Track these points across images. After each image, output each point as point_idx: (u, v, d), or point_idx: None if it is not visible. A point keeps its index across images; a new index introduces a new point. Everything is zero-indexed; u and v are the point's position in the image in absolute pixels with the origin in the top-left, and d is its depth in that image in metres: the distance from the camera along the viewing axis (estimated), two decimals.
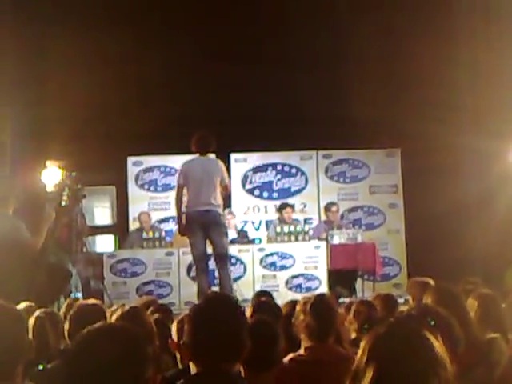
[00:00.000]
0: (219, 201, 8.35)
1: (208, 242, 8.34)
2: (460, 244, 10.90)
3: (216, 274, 8.53)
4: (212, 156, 8.77)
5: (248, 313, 5.21)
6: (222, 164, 8.67)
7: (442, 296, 3.88)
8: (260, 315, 4.33)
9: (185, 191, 8.41)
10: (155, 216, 11.61)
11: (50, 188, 11.05)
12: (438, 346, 2.01)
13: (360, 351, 2.05)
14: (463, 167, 11.62)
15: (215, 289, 8.30)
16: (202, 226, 8.22)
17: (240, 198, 11.99)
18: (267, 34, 11.54)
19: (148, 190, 12.09)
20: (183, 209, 8.44)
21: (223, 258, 8.35)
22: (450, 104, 10.92)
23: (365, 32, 11.42)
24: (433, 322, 3.00)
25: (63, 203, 8.62)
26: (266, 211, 12.13)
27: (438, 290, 4.08)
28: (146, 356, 2.00)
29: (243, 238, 10.94)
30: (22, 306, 4.97)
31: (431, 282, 5.38)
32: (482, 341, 3.71)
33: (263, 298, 5.63)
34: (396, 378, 1.93)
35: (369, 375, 1.97)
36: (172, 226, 11.79)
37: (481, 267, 10.27)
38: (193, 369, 2.66)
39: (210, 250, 8.44)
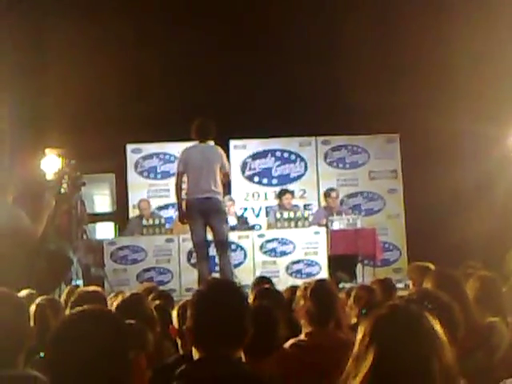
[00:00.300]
0: (219, 188, 8.34)
1: (208, 228, 8.34)
2: (460, 229, 10.91)
3: (216, 260, 8.55)
4: (212, 143, 8.75)
5: (250, 299, 5.23)
6: (221, 151, 8.66)
7: (442, 280, 3.89)
8: (261, 301, 4.35)
9: (184, 178, 8.40)
10: (155, 203, 11.62)
11: (49, 176, 11.05)
12: (438, 328, 2.01)
13: (360, 334, 2.05)
14: (462, 152, 11.62)
15: (216, 275, 8.30)
16: (203, 213, 8.22)
17: (239, 185, 12.00)
18: (267, 22, 11.50)
19: (147, 177, 12.09)
20: (183, 196, 8.44)
21: (223, 245, 8.35)
22: (449, 89, 10.91)
23: (362, 18, 11.38)
24: (430, 306, 3.01)
25: (63, 191, 8.63)
26: (265, 197, 12.14)
27: (438, 274, 4.09)
28: (128, 337, 2.00)
29: (243, 224, 10.95)
30: (23, 293, 4.99)
31: (431, 266, 5.38)
32: (482, 325, 3.72)
33: (265, 285, 5.64)
34: (397, 361, 1.94)
35: (369, 358, 1.97)
36: (172, 212, 11.80)
37: (481, 252, 10.28)
38: (195, 354, 2.66)
39: (210, 236, 8.44)
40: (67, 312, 4.22)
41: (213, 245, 8.53)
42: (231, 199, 11.05)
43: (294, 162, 12.29)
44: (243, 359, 3.23)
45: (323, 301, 3.88)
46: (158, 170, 12.11)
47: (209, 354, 2.59)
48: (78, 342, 1.89)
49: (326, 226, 10.37)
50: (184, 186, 8.48)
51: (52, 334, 1.96)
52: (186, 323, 2.69)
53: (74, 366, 1.87)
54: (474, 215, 10.95)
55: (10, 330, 2.58)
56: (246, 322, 2.66)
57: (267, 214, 11.57)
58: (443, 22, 10.63)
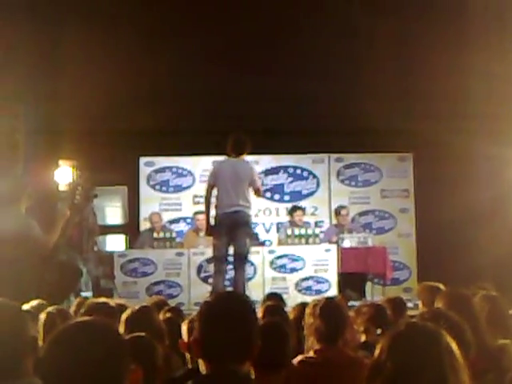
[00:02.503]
0: (248, 203, 8.33)
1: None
2: (471, 250, 10.87)
3: (230, 273, 8.54)
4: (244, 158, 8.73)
5: (259, 315, 5.22)
6: (253, 166, 8.69)
7: (454, 301, 3.87)
8: (270, 317, 4.34)
9: (214, 192, 8.41)
10: (166, 216, 11.63)
11: (62, 187, 11.09)
12: (455, 347, 2.01)
13: (377, 351, 2.04)
14: (476, 174, 11.58)
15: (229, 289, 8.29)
16: (229, 227, 8.20)
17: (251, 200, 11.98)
18: (282, 36, 11.52)
19: (159, 190, 12.11)
20: (213, 209, 8.43)
21: (242, 259, 8.34)
22: (464, 112, 10.91)
23: (379, 39, 11.40)
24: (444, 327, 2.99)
25: (76, 202, 8.64)
26: (277, 214, 12.14)
27: (450, 294, 4.07)
28: (124, 349, 1.98)
29: (254, 239, 10.92)
30: (34, 303, 4.99)
31: (441, 286, 5.35)
32: (493, 346, 3.69)
33: (271, 302, 5.62)
34: (414, 378, 1.92)
35: (387, 375, 1.96)
36: (183, 226, 11.81)
37: (492, 274, 10.22)
38: (201, 367, 2.64)
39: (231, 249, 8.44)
40: None
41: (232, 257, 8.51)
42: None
43: (307, 178, 12.30)
44: (252, 374, 3.23)
45: (332, 319, 3.87)
46: (171, 184, 12.13)
47: (216, 367, 2.55)
48: (71, 354, 1.86)
49: (337, 243, 10.35)
50: (213, 199, 8.47)
51: (45, 346, 1.94)
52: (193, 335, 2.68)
53: (67, 379, 1.85)
54: (486, 237, 10.91)
55: (6, 339, 2.57)
56: (254, 335, 2.63)
57: (278, 230, 11.57)
58: (460, 46, 10.63)
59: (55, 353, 1.87)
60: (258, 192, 8.58)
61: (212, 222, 8.40)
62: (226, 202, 8.22)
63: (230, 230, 8.23)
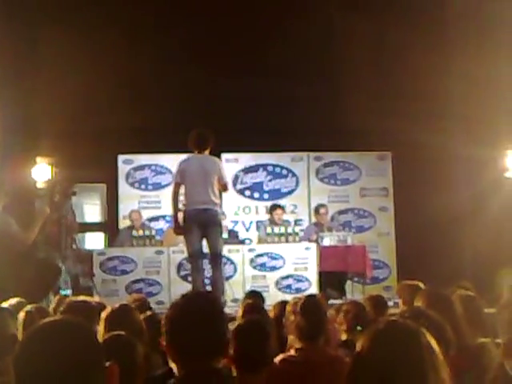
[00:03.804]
0: (218, 199, 8.33)
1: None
2: (450, 249, 10.94)
3: (208, 273, 8.53)
4: (207, 153, 8.71)
5: (239, 313, 5.22)
6: (220, 161, 8.67)
7: (434, 300, 3.88)
8: (250, 315, 4.33)
9: (182, 190, 8.37)
10: (145, 214, 11.58)
11: (40, 184, 11.03)
12: (435, 345, 2.01)
13: (358, 349, 2.04)
14: (455, 174, 11.66)
15: (208, 288, 8.27)
16: (200, 224, 8.18)
17: (231, 199, 11.97)
18: (263, 38, 11.53)
19: (139, 188, 12.07)
20: (181, 207, 8.41)
21: (217, 258, 8.33)
22: (442, 112, 10.98)
23: (358, 39, 11.45)
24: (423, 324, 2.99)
25: (55, 199, 8.61)
26: (256, 212, 12.13)
27: (430, 293, 4.08)
28: (99, 347, 1.97)
29: (233, 238, 10.92)
30: (13, 301, 4.96)
31: (421, 285, 5.38)
32: (473, 345, 3.71)
33: (250, 301, 5.62)
34: (394, 376, 1.93)
35: (367, 373, 1.96)
36: (162, 224, 11.77)
37: (471, 272, 10.30)
38: (175, 369, 2.65)
39: (205, 249, 8.42)
40: None
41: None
42: (223, 213, 11.03)
43: (286, 177, 12.30)
44: (234, 374, 3.22)
45: (313, 316, 3.87)
46: (150, 182, 12.09)
47: (186, 367, 2.57)
48: (44, 352, 1.85)
49: (317, 241, 10.36)
50: (181, 197, 8.44)
51: (18, 344, 1.92)
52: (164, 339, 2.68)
53: (40, 377, 1.83)
54: (465, 236, 10.99)
55: None
56: (222, 332, 2.67)
57: (258, 228, 11.56)
58: (438, 48, 10.69)
59: (28, 351, 1.85)
60: (224, 186, 8.57)
61: (180, 220, 8.36)
62: (196, 199, 8.19)
63: (201, 226, 8.20)
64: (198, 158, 8.39)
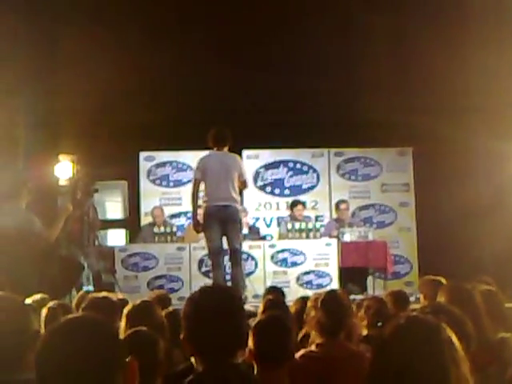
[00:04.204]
0: (238, 196, 8.36)
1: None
2: (471, 244, 10.88)
3: (228, 269, 8.56)
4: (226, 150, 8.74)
5: (260, 309, 5.23)
6: (239, 159, 8.69)
7: (455, 294, 3.87)
8: (271, 311, 4.34)
9: (202, 186, 8.40)
10: (167, 211, 11.62)
11: (62, 182, 11.11)
12: (456, 340, 2.01)
13: (378, 344, 2.05)
14: (476, 168, 11.60)
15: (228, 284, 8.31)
16: (220, 220, 8.21)
17: (252, 195, 12.00)
18: (282, 33, 11.50)
19: (160, 185, 12.12)
20: (201, 203, 8.44)
21: (236, 255, 8.35)
22: (463, 106, 10.90)
23: (378, 33, 11.39)
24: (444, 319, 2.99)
25: (78, 197, 8.67)
26: (277, 208, 12.14)
27: (452, 288, 4.07)
28: (118, 343, 1.98)
29: (255, 234, 10.94)
30: (36, 297, 5.01)
31: (443, 280, 5.36)
32: (494, 340, 3.70)
33: (271, 296, 5.63)
34: (415, 371, 1.93)
35: (387, 368, 1.96)
36: (184, 221, 11.82)
37: (492, 267, 10.24)
38: (195, 364, 2.65)
39: (225, 246, 8.45)
40: None
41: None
42: (244, 210, 11.05)
43: (307, 173, 12.30)
44: (255, 370, 3.24)
45: (334, 312, 3.88)
46: (171, 178, 12.14)
47: (208, 361, 2.58)
48: (65, 351, 1.87)
49: (337, 237, 10.36)
50: (201, 194, 8.47)
51: (39, 343, 1.94)
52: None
53: (61, 373, 1.85)
54: (486, 231, 10.91)
55: (9, 333, 2.58)
56: (240, 325, 2.67)
57: (279, 224, 11.56)
58: (458, 40, 10.62)
59: (49, 348, 1.88)
60: (244, 183, 8.60)
61: (199, 217, 8.39)
62: (216, 195, 8.22)
63: (221, 222, 8.23)
64: (218, 155, 8.42)
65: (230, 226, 8.25)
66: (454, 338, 2.02)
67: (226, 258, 8.57)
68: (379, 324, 4.73)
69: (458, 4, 11.00)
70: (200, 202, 8.50)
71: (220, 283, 8.02)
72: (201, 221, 8.42)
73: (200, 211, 8.44)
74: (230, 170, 8.28)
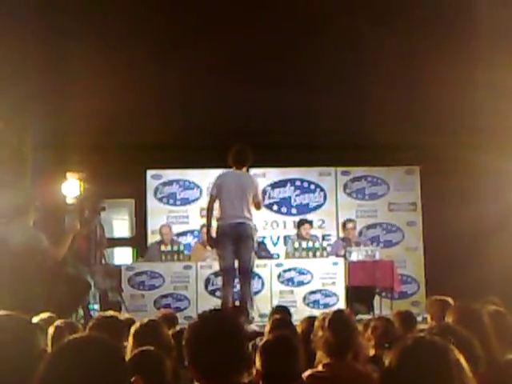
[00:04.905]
0: (251, 216, 8.35)
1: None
2: (479, 264, 10.82)
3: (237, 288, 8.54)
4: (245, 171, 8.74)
5: (266, 329, 5.22)
6: (256, 180, 8.70)
7: (464, 315, 3.86)
8: (278, 331, 4.33)
9: (216, 205, 8.41)
10: (174, 229, 11.60)
11: (69, 200, 11.13)
12: (463, 361, 2.01)
13: (386, 364, 2.04)
14: (483, 188, 11.57)
15: (236, 303, 8.28)
16: (234, 238, 8.21)
17: (258, 213, 11.96)
18: (290, 52, 11.54)
19: (167, 203, 12.13)
20: (215, 221, 8.44)
21: (247, 274, 8.33)
22: (470, 126, 10.89)
23: (386, 54, 11.41)
24: (452, 340, 2.98)
25: (85, 215, 8.69)
26: (284, 227, 12.14)
27: (460, 308, 4.06)
28: (123, 364, 1.98)
29: (263, 250, 10.90)
30: (43, 316, 5.00)
31: (450, 300, 5.34)
32: (502, 361, 3.68)
33: (278, 316, 5.62)
34: None
35: None
36: (190, 239, 11.82)
37: (499, 287, 10.19)
38: None
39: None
40: None
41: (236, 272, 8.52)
42: (255, 227, 11.03)
43: (314, 191, 12.30)
44: None
45: (342, 332, 3.86)
46: (178, 197, 12.15)
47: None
48: (69, 372, 1.86)
49: (344, 256, 10.34)
50: (214, 212, 8.47)
51: (43, 364, 1.94)
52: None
53: None
54: (493, 250, 10.87)
55: (16, 353, 2.57)
56: (240, 348, 2.68)
57: (285, 243, 11.55)
58: (467, 59, 10.63)
59: (53, 368, 1.88)
60: (258, 205, 8.58)
61: (213, 233, 8.40)
62: (231, 213, 8.23)
63: (235, 240, 8.23)
64: (235, 174, 8.45)
65: (243, 243, 8.22)
66: (462, 360, 2.01)
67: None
68: (387, 345, 4.71)
69: (467, 25, 11.03)
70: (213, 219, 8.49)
71: (228, 303, 8.02)
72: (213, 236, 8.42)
73: (214, 223, 8.43)
74: (245, 190, 8.30)
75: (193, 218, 11.99)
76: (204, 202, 11.80)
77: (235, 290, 8.64)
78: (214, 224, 8.46)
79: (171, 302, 9.97)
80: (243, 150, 8.52)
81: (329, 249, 10.58)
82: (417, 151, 11.39)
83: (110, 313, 5.04)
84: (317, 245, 10.36)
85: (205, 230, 10.55)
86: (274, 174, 12.32)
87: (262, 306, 9.41)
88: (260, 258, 10.42)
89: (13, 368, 2.54)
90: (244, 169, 8.53)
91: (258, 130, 11.50)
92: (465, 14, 11.04)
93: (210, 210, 8.45)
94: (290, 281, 10.15)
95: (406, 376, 1.95)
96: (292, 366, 3.48)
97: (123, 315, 5.19)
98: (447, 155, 10.61)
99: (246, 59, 11.49)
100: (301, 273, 10.17)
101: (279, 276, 10.17)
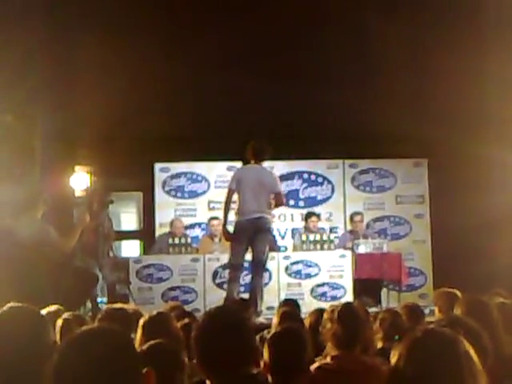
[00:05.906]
0: (269, 211, 8.34)
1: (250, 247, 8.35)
2: (486, 256, 10.80)
3: (243, 281, 8.55)
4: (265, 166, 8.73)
5: (274, 321, 5.23)
6: (276, 175, 8.69)
7: (473, 307, 3.86)
8: (287, 323, 4.33)
9: (235, 197, 8.41)
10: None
11: (78, 193, 11.15)
12: (473, 353, 2.01)
13: (395, 358, 2.04)
14: (491, 180, 11.52)
15: (244, 296, 8.30)
16: (250, 233, 8.21)
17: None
18: (297, 46, 11.52)
19: (175, 196, 12.12)
20: (233, 216, 8.43)
21: (259, 267, 8.34)
22: (478, 117, 10.86)
23: (394, 45, 11.39)
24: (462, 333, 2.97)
25: (93, 208, 8.71)
26: (292, 219, 12.13)
27: (469, 300, 4.06)
28: (134, 353, 1.99)
29: (274, 246, 10.88)
30: (51, 308, 5.02)
31: (458, 293, 5.34)
32: (510, 354, 3.67)
33: (286, 308, 5.63)
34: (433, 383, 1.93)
35: (404, 382, 1.96)
36: (198, 232, 11.82)
37: (507, 280, 10.17)
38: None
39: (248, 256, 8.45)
40: None
41: (250, 263, 8.53)
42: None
43: (321, 184, 12.29)
44: (270, 381, 3.23)
45: (350, 324, 3.86)
46: (186, 190, 12.14)
47: (222, 379, 2.64)
48: (81, 362, 1.87)
49: (352, 249, 10.33)
50: (233, 205, 8.48)
51: (55, 355, 1.94)
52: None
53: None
54: (501, 242, 10.85)
55: (28, 344, 2.59)
56: (246, 341, 2.73)
57: (293, 235, 11.55)
58: (473, 51, 10.60)
59: (65, 360, 1.88)
60: (280, 200, 8.53)
61: (230, 227, 8.40)
62: (250, 208, 8.22)
63: (251, 236, 8.22)
64: (255, 169, 8.45)
65: (259, 236, 8.22)
66: (472, 352, 2.01)
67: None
68: (396, 337, 4.71)
69: (474, 16, 11.00)
70: (231, 212, 8.48)
71: (233, 297, 8.03)
72: (230, 230, 8.42)
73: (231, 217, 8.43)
74: (264, 185, 8.29)
75: (200, 210, 11.99)
76: (211, 194, 11.85)
77: (244, 282, 8.66)
78: (231, 217, 8.47)
79: (179, 295, 9.98)
80: (262, 145, 8.52)
81: (336, 241, 10.58)
82: (424, 144, 11.37)
83: (119, 305, 5.05)
84: (324, 237, 10.35)
85: (213, 222, 10.63)
86: (281, 167, 12.28)
87: (270, 298, 9.42)
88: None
89: (25, 359, 2.55)
90: (262, 163, 8.52)
91: (265, 123, 11.50)
92: (473, 4, 11.00)
93: (227, 203, 8.43)
94: (297, 273, 10.16)
95: (416, 368, 1.95)
96: (300, 358, 3.49)
97: (131, 307, 5.20)
98: (455, 147, 10.59)
99: (253, 53, 11.49)
100: (308, 265, 10.16)
101: (287, 268, 10.17)
